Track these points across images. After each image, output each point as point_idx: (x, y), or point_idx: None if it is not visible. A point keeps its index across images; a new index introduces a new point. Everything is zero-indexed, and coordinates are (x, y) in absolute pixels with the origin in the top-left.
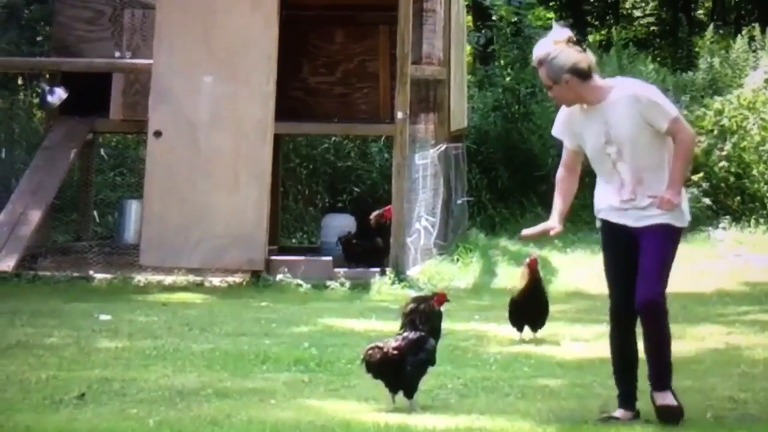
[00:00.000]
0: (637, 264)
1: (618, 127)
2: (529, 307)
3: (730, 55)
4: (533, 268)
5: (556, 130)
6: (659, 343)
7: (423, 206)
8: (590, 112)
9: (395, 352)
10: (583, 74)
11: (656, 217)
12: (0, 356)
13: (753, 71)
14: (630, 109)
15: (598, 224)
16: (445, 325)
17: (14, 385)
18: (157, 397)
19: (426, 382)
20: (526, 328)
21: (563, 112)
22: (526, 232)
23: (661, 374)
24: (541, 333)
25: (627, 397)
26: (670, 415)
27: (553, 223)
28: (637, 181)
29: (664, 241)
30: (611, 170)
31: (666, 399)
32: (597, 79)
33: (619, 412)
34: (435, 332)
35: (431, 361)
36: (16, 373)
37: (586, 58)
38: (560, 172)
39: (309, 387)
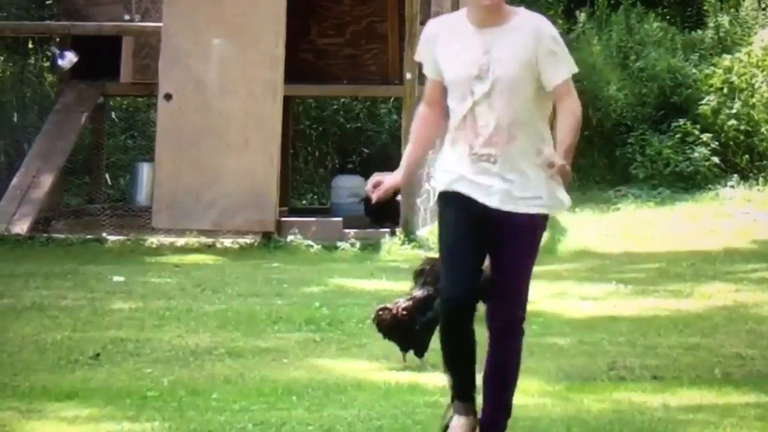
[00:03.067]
0: (481, 247)
1: (503, 62)
2: None
3: (739, 13)
4: None
5: (419, 52)
6: (508, 371)
7: (433, 167)
8: (472, 35)
9: (404, 312)
10: None
11: (532, 201)
12: (16, 318)
13: (762, 29)
14: (527, 44)
15: (433, 200)
16: None
17: (30, 346)
18: (170, 357)
19: (436, 341)
20: None
21: (429, 28)
22: (372, 194)
23: (500, 416)
24: (550, 291)
25: (465, 392)
26: None
27: (396, 178)
28: (506, 138)
29: (533, 240)
30: (465, 115)
31: None
32: None
33: (455, 421)
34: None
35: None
36: (32, 334)
37: None
38: (421, 110)
39: (321, 346)
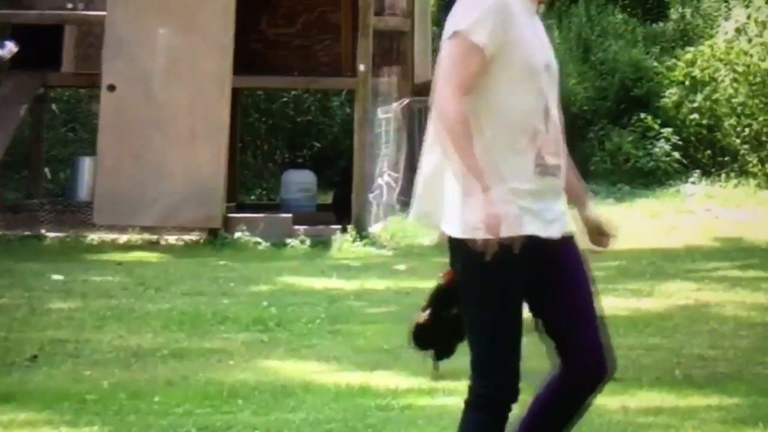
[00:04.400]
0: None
1: (552, 54)
2: None
3: (701, 5)
4: None
5: (486, 18)
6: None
7: (386, 162)
8: (530, 17)
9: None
10: None
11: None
12: None
13: (725, 22)
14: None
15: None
16: (410, 283)
17: None
18: (111, 359)
19: (390, 342)
20: None
21: None
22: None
23: None
24: None
25: None
26: None
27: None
28: (563, 143)
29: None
30: (538, 114)
31: None
32: None
33: None
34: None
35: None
36: None
37: None
38: (461, 106)
39: (268, 347)
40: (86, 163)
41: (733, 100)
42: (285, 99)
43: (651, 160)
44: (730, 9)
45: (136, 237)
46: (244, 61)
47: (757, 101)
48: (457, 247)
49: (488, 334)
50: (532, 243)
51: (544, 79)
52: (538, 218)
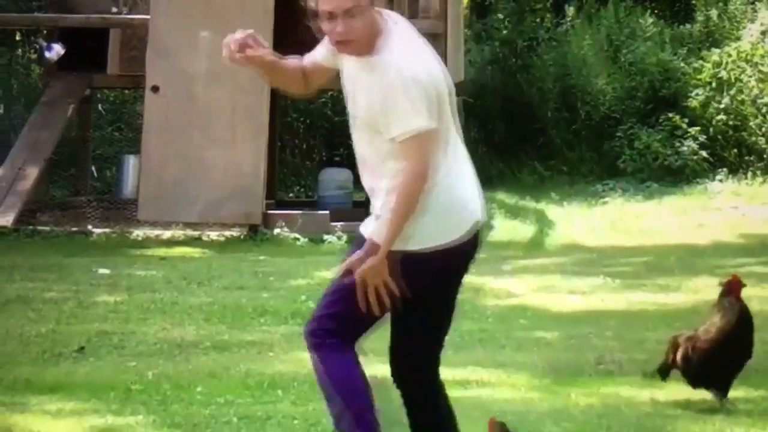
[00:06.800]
0: None
1: None
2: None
3: (728, 7)
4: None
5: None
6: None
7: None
8: None
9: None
10: None
11: None
12: (0, 310)
13: (750, 24)
14: None
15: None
16: None
17: (14, 339)
18: (155, 350)
19: None
20: None
21: None
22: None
23: None
24: (537, 285)
25: None
26: None
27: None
28: None
29: None
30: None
31: None
32: None
33: None
34: None
35: None
36: (16, 327)
37: None
38: None
39: None
40: (131, 162)
41: (759, 101)
42: (323, 99)
43: (679, 158)
44: (756, 11)
45: (179, 233)
46: None
47: None
48: None
49: None
50: None
51: None
52: None
